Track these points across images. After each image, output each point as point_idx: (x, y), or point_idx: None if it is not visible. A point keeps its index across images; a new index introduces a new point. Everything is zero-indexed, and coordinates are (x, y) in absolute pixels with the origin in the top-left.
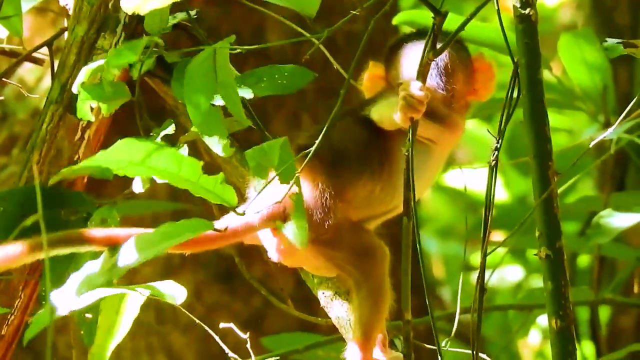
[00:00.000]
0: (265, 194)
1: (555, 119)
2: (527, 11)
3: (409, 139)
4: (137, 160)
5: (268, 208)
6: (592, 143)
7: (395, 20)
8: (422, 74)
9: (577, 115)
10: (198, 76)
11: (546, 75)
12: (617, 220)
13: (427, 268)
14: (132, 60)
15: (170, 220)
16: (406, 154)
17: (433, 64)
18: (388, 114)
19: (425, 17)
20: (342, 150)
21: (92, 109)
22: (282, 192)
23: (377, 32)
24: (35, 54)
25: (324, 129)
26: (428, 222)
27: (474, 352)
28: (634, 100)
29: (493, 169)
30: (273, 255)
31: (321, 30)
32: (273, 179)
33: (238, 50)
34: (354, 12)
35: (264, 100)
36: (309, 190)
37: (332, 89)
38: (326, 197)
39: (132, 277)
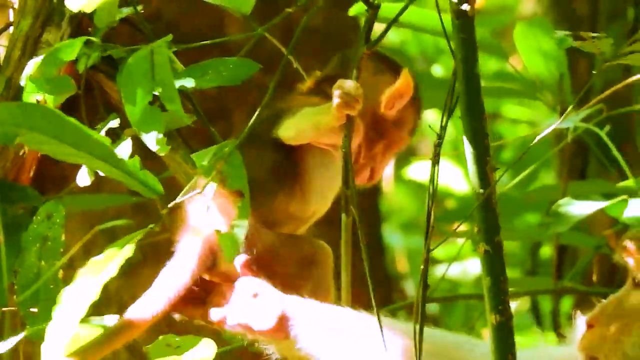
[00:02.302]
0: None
1: (517, 110)
2: (463, 7)
3: (346, 135)
4: None
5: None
6: (542, 134)
7: (351, 12)
8: (357, 69)
9: (539, 107)
10: (136, 75)
11: (506, 66)
12: (576, 208)
13: (391, 261)
14: (70, 58)
15: (131, 212)
16: (344, 150)
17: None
18: (304, 126)
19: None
20: (252, 178)
21: (38, 102)
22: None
23: (336, 27)
24: None
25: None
26: (392, 216)
27: (417, 342)
28: (584, 89)
29: (435, 165)
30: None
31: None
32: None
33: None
34: (289, 10)
35: (226, 95)
36: (227, 216)
37: (291, 83)
38: (249, 223)
39: None
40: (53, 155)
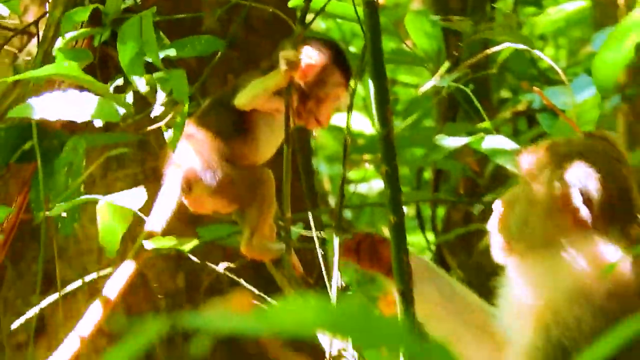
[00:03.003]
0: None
1: (408, 77)
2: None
3: (288, 91)
4: None
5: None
6: (424, 88)
7: (290, 4)
8: (295, 43)
9: (424, 74)
10: (128, 33)
11: (401, 45)
12: (448, 142)
13: (318, 183)
14: (81, 19)
15: (136, 147)
16: (285, 101)
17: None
18: (254, 93)
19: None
20: (220, 129)
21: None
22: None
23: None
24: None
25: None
26: (320, 151)
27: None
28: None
29: (350, 111)
30: (190, 208)
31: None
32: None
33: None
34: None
35: (201, 65)
36: (201, 160)
37: (250, 57)
38: (214, 160)
39: None
40: None
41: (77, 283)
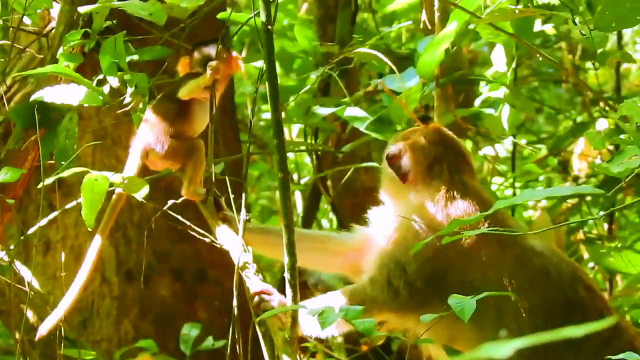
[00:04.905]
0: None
1: (296, 65)
2: (267, 26)
3: (213, 87)
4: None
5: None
6: (313, 77)
7: (218, 16)
8: (217, 55)
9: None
10: (107, 48)
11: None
12: (322, 111)
13: (242, 107)
14: (74, 39)
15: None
16: (211, 95)
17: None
18: (190, 88)
19: (235, 16)
20: (166, 112)
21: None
22: (150, 133)
23: (209, 28)
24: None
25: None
26: (248, 79)
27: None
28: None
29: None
30: (149, 167)
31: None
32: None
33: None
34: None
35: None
36: (153, 134)
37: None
38: (162, 136)
39: None
40: None
41: (74, 203)
